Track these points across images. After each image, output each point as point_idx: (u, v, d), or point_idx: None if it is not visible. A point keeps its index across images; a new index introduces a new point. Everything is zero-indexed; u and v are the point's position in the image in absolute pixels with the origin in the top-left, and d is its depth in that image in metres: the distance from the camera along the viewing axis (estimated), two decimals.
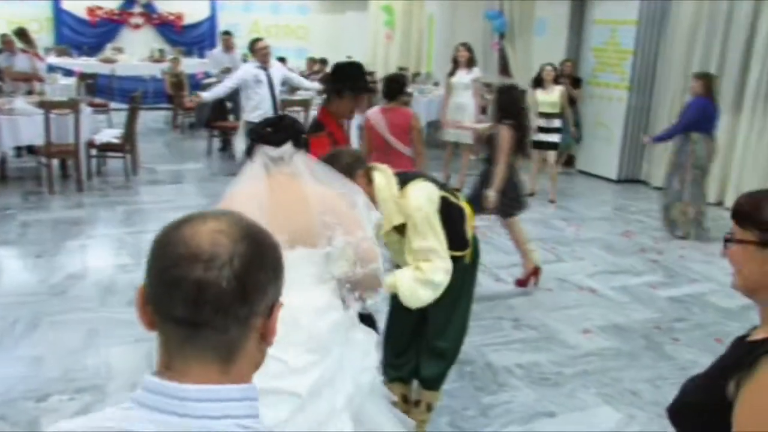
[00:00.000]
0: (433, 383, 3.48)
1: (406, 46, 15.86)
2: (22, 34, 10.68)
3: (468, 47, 8.89)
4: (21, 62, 10.18)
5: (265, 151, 2.57)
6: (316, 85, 9.20)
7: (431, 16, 14.46)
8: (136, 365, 4.21)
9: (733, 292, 5.25)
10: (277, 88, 7.85)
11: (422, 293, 3.03)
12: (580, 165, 10.62)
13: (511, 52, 12.21)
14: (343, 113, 4.22)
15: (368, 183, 3.03)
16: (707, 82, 7.17)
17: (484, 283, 5.45)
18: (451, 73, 8.94)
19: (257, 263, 1.02)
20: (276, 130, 2.59)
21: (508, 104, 5.65)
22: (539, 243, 6.84)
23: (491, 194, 5.47)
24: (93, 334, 4.59)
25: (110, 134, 9.00)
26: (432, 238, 3.03)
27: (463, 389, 4.12)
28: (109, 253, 6.24)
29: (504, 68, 12.14)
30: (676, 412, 1.77)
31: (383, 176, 3.11)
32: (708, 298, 5.76)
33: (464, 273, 3.28)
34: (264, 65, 7.82)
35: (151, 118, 13.49)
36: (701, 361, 4.58)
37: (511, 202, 5.65)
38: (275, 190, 2.51)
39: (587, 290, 5.85)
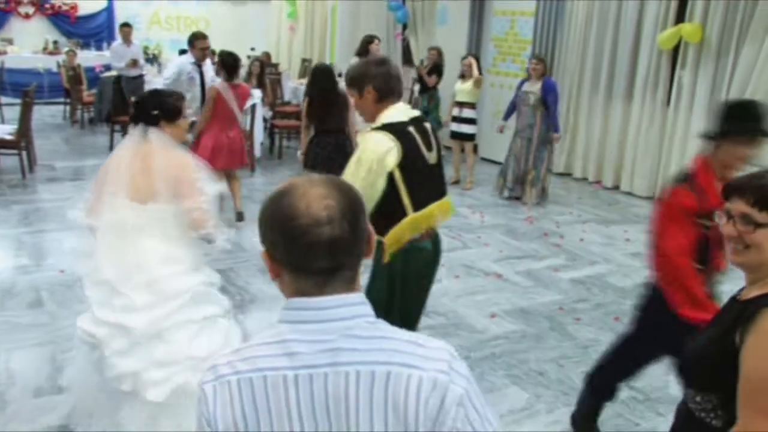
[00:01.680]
0: None
1: (309, 37, 15.79)
2: None
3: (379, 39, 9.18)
4: None
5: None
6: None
7: (334, 7, 14.44)
8: (38, 370, 4.08)
9: (629, 271, 5.52)
10: (207, 87, 7.64)
11: None
12: (483, 152, 10.86)
13: (414, 43, 12.35)
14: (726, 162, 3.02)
15: (371, 102, 3.18)
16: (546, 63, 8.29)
17: None
18: None
19: (357, 210, 1.33)
20: (135, 111, 3.32)
21: (310, 82, 6.72)
22: (445, 230, 6.97)
23: (299, 154, 6.83)
24: None
25: (3, 130, 8.62)
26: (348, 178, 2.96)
27: None
28: (6, 254, 6.00)
29: (407, 59, 12.26)
30: (690, 368, 2.04)
31: (390, 110, 3.19)
32: (607, 279, 6.03)
33: (379, 251, 3.16)
34: (200, 62, 7.60)
35: (47, 113, 12.97)
36: (602, 338, 4.81)
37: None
38: (138, 158, 3.20)
39: (493, 276, 6.02)
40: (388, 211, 3.10)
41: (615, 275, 6.13)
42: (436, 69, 9.55)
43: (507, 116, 8.52)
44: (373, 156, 3.03)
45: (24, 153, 8.47)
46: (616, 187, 9.22)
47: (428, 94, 9.60)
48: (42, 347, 4.30)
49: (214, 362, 1.34)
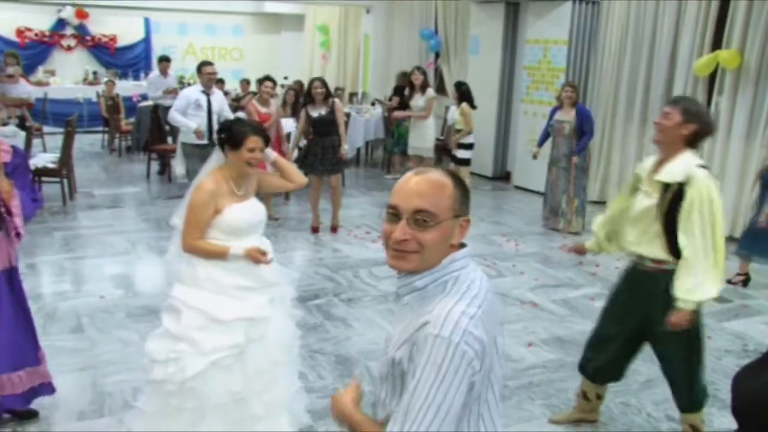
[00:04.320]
0: (685, 407, 3.73)
1: (342, 65, 15.99)
2: (14, 56, 10.71)
3: (423, 71, 9.59)
4: (20, 87, 10.47)
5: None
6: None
7: (367, 36, 14.62)
8: (81, 394, 4.14)
9: None
10: (215, 115, 7.80)
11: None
12: (516, 180, 10.85)
13: (446, 71, 12.44)
14: None
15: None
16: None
17: None
18: (410, 96, 9.60)
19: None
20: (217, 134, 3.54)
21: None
22: (480, 259, 6.97)
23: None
24: None
25: (46, 159, 8.81)
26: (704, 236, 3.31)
27: None
28: (49, 280, 6.11)
29: (440, 87, 12.34)
30: (752, 412, 1.79)
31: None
32: None
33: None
34: (207, 90, 7.77)
35: (87, 142, 13.25)
36: (639, 367, 4.74)
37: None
38: None
39: (529, 304, 5.99)
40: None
41: None
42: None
43: (541, 143, 8.48)
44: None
45: (65, 181, 8.65)
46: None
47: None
48: (84, 372, 4.37)
49: (454, 319, 1.59)
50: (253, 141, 3.32)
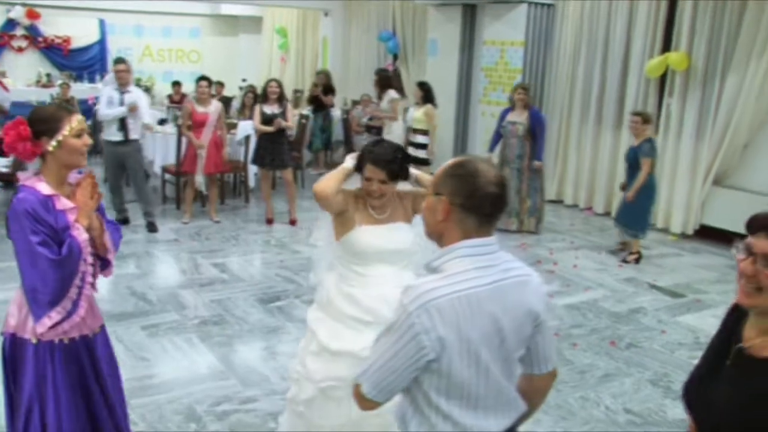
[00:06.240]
0: None
1: (301, 68, 15.97)
2: None
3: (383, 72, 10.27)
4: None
5: None
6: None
7: (325, 38, 14.62)
8: None
9: (623, 297, 5.58)
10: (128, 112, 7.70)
11: None
12: None
13: (405, 73, 12.51)
14: None
15: None
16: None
17: None
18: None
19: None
20: None
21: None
22: None
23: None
24: None
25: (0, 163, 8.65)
26: None
27: None
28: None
29: (399, 89, 12.40)
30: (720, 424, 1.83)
31: None
32: (601, 304, 6.09)
33: None
34: (121, 88, 7.71)
35: None
36: (598, 363, 4.87)
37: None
38: None
39: None
40: None
41: (609, 300, 6.19)
42: (330, 90, 11.32)
43: (493, 147, 8.51)
44: None
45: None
46: (607, 213, 9.30)
47: (323, 113, 11.35)
48: None
49: (419, 291, 1.75)
50: (370, 171, 2.99)
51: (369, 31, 13.41)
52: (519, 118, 8.11)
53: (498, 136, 8.41)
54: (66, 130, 2.68)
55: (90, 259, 2.79)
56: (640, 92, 8.85)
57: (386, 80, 10.21)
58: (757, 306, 1.75)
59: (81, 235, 2.72)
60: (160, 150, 9.11)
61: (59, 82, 13.95)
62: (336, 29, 14.21)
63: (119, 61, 7.98)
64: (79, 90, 13.99)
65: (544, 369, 2.06)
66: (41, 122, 2.68)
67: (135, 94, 7.75)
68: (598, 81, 9.37)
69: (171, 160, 8.75)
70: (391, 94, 9.76)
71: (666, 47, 8.54)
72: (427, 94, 9.13)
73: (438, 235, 1.91)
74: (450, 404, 1.83)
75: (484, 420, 1.88)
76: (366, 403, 1.86)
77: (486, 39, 10.58)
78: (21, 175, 2.75)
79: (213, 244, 7.43)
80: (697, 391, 1.93)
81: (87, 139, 2.75)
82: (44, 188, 2.69)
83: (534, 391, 2.11)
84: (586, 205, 9.67)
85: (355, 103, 12.28)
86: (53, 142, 2.67)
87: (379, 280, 3.06)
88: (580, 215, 9.50)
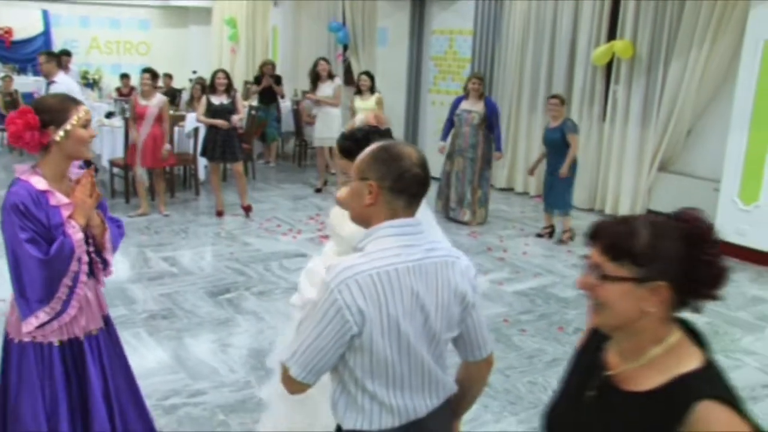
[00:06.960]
0: None
1: (251, 58, 15.81)
2: None
3: (327, 60, 9.92)
4: None
5: None
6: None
7: (275, 28, 14.52)
8: None
9: (571, 282, 5.63)
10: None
11: None
12: None
13: (355, 63, 12.48)
14: None
15: None
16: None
17: None
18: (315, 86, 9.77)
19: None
20: None
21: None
22: None
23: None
24: None
25: None
26: None
27: None
28: None
29: (350, 79, 12.37)
30: None
31: None
32: (550, 290, 6.18)
33: None
34: (46, 78, 8.01)
35: None
36: (547, 348, 4.94)
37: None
38: None
39: None
40: None
41: (558, 286, 6.28)
42: (278, 80, 11.58)
43: (445, 136, 8.45)
44: None
45: None
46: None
47: (276, 104, 11.48)
48: None
49: (340, 268, 1.78)
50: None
51: (319, 21, 13.34)
52: (474, 107, 8.11)
53: (450, 125, 8.37)
54: (74, 120, 2.64)
55: (85, 258, 2.73)
56: (587, 80, 8.97)
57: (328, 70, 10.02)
58: (603, 326, 1.56)
59: (76, 234, 2.67)
60: (108, 143, 8.96)
61: (1, 74, 13.59)
62: (285, 19, 14.11)
63: (42, 53, 8.28)
64: (24, 83, 13.62)
65: (478, 355, 2.09)
66: (48, 112, 2.63)
67: (63, 85, 7.65)
68: (546, 69, 9.47)
69: (119, 153, 8.61)
70: (337, 81, 9.71)
71: (611, 35, 8.66)
72: (373, 83, 9.13)
73: (366, 219, 1.92)
74: (375, 384, 1.84)
75: (410, 400, 1.90)
76: (295, 385, 1.86)
77: (435, 28, 10.61)
78: (18, 168, 2.69)
79: (162, 238, 7.34)
80: (561, 421, 1.73)
81: (93, 130, 2.73)
82: (39, 183, 2.63)
83: (471, 378, 2.14)
84: (537, 193, 9.77)
85: (305, 93, 12.20)
86: (61, 132, 2.62)
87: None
88: (530, 203, 9.60)
